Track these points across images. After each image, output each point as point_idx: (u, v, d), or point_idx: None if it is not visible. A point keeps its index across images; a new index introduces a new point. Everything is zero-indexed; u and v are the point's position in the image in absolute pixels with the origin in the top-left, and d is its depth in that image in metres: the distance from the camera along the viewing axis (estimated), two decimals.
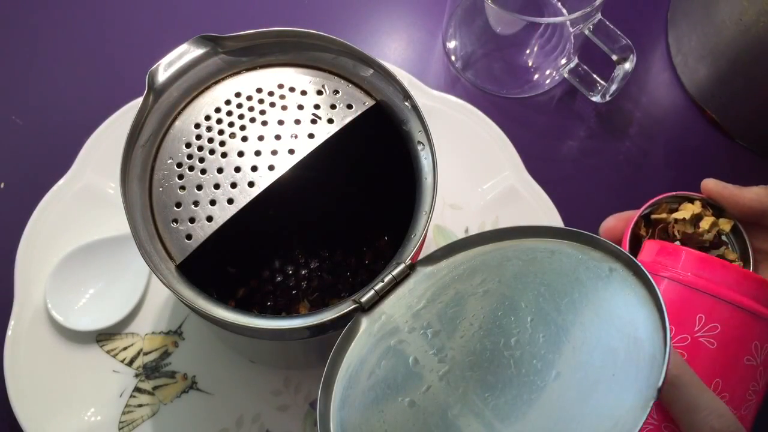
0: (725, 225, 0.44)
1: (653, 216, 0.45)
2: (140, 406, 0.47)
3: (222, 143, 0.37)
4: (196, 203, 0.36)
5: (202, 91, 0.38)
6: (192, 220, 0.35)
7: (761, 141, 0.56)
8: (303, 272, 0.49)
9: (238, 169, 0.36)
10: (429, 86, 0.55)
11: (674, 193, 0.45)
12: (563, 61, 0.56)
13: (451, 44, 0.59)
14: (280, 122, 0.37)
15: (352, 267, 0.49)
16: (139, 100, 0.37)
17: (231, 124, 0.37)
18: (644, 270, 0.31)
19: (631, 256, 0.32)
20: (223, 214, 0.35)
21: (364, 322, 0.35)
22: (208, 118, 0.37)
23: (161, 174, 0.36)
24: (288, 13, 0.60)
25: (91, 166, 0.51)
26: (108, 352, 0.48)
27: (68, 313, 0.48)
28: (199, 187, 0.36)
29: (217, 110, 0.38)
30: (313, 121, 0.37)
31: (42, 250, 0.49)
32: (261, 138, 0.37)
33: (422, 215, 0.36)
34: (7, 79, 0.57)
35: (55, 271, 0.48)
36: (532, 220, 0.51)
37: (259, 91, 0.38)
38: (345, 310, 0.34)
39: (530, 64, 0.58)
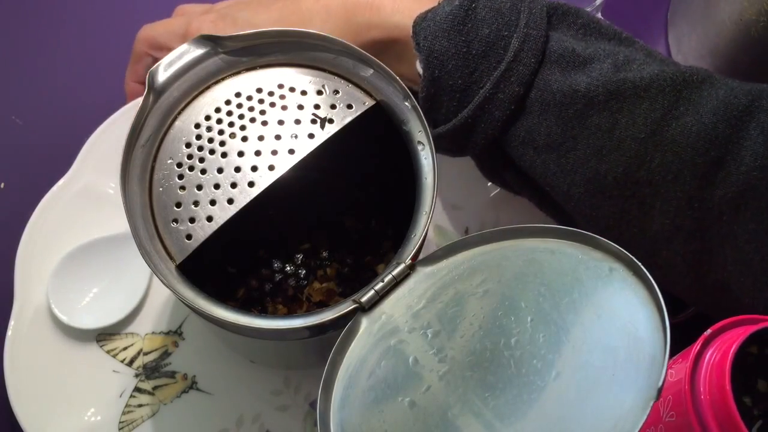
0: None
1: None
2: (140, 406, 0.47)
3: (222, 143, 0.37)
4: (196, 203, 0.36)
5: (202, 91, 0.38)
6: (192, 220, 0.35)
7: None
8: (303, 272, 0.49)
9: (238, 169, 0.36)
10: None
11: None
12: None
13: None
14: (280, 122, 0.37)
15: (351, 267, 0.49)
16: (139, 100, 0.37)
17: (231, 124, 0.37)
18: (644, 270, 0.31)
19: (632, 257, 0.32)
20: (223, 214, 0.35)
21: (364, 322, 0.35)
22: (208, 118, 0.37)
23: (161, 174, 0.36)
24: None
25: (91, 166, 0.51)
26: (108, 352, 0.48)
27: (71, 311, 0.48)
28: (199, 187, 0.36)
29: (217, 110, 0.38)
30: (313, 121, 0.37)
31: (42, 250, 0.49)
32: (261, 138, 0.37)
33: (422, 215, 0.36)
34: (7, 79, 0.57)
35: (57, 269, 0.48)
36: (532, 220, 0.51)
37: (259, 91, 0.38)
38: (345, 310, 0.34)
39: None
